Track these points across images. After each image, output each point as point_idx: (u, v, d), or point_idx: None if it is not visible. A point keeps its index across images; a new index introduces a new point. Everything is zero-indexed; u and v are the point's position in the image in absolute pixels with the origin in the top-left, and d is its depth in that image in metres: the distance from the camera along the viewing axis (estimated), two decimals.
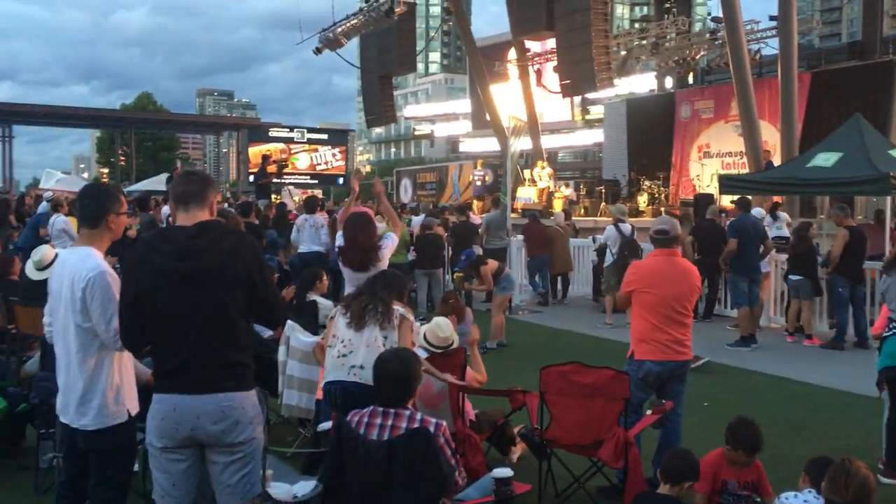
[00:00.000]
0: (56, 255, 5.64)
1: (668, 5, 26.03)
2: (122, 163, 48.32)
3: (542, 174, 22.23)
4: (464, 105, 40.99)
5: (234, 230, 3.35)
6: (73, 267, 3.53)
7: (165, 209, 16.25)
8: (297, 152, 39.35)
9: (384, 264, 5.68)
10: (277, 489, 4.15)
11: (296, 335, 5.83)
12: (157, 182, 32.24)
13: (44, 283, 4.16)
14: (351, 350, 4.37)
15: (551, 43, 22.59)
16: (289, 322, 5.76)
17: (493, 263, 10.31)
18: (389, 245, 5.80)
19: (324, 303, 7.51)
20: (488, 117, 26.13)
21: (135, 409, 3.64)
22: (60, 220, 11.77)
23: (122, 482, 3.70)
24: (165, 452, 3.21)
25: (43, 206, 13.89)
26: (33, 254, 6.93)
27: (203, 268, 3.14)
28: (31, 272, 6.55)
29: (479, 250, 12.72)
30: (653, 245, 5.42)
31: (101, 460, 3.60)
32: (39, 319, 4.09)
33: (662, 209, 19.82)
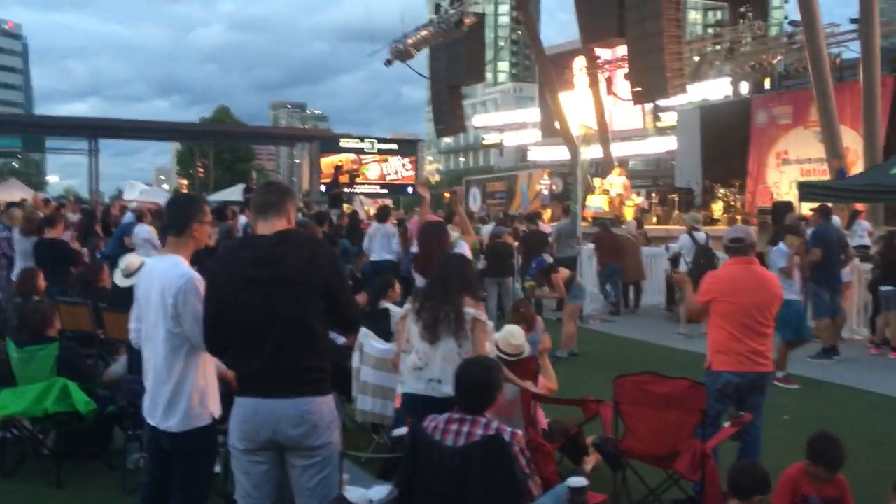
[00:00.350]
0: (142, 264, 5.86)
1: (743, 9, 25.42)
2: (201, 174, 49.73)
3: (616, 182, 21.89)
4: (533, 114, 40.89)
5: (311, 238, 3.45)
6: (163, 274, 3.64)
7: (242, 219, 16.69)
8: (367, 162, 39.84)
9: None
10: (353, 493, 4.23)
11: (369, 342, 5.92)
12: (234, 193, 33.08)
13: (130, 289, 4.30)
14: (427, 363, 4.38)
15: (622, 50, 22.35)
16: (362, 329, 5.85)
17: (564, 272, 10.26)
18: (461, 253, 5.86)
19: (396, 310, 7.59)
20: (557, 126, 25.99)
21: (217, 411, 3.75)
22: (144, 230, 12.19)
23: (204, 483, 3.81)
24: (247, 455, 3.31)
25: (128, 217, 14.41)
26: (120, 262, 7.22)
27: (282, 275, 3.23)
28: (119, 279, 6.82)
29: (549, 259, 12.68)
30: (728, 254, 5.32)
31: (185, 462, 3.71)
32: (125, 325, 4.22)
33: (738, 217, 19.41)
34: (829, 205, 11.71)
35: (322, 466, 3.32)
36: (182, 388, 3.60)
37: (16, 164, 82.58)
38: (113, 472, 5.55)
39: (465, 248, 5.97)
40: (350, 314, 3.50)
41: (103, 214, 17.79)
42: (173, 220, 3.80)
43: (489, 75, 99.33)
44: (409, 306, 4.55)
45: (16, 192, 32.29)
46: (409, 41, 24.57)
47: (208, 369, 3.73)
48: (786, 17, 30.61)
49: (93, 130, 40.03)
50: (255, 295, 3.24)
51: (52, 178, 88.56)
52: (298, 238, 3.35)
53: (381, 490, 4.26)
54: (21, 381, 5.58)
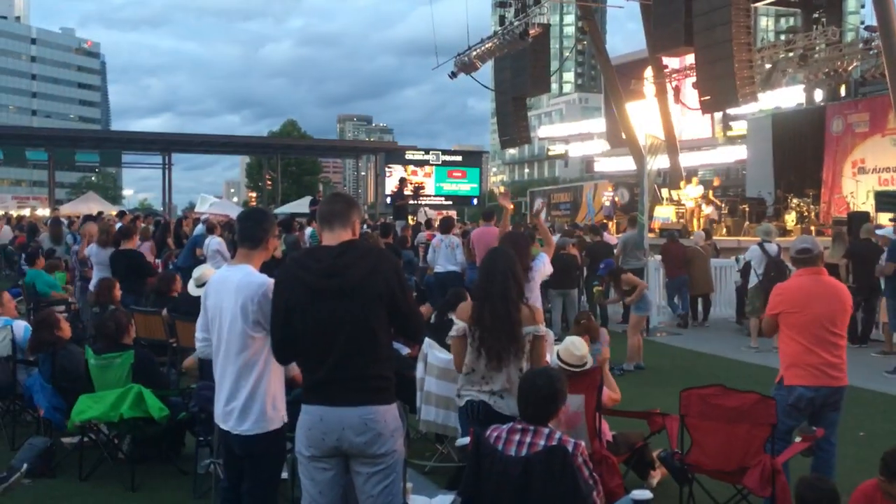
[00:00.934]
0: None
1: (816, 15, 24.78)
2: (269, 187, 50.80)
3: (692, 192, 21.47)
4: (598, 124, 40.55)
5: (375, 249, 3.51)
6: (241, 282, 3.76)
7: (308, 230, 16.99)
8: (431, 174, 40.08)
9: (535, 285, 5.74)
10: (417, 502, 4.26)
11: (433, 352, 5.95)
12: (301, 205, 33.74)
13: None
14: (489, 382, 4.26)
15: (690, 59, 22.01)
16: (427, 339, 5.89)
17: (632, 276, 10.17)
18: (541, 267, 5.85)
19: (461, 324, 7.63)
20: (624, 136, 25.72)
21: (286, 416, 3.86)
22: (215, 242, 12.52)
23: (274, 486, 3.92)
24: (313, 461, 3.38)
25: (199, 229, 14.83)
26: (194, 272, 7.43)
27: (346, 285, 3.30)
28: (192, 289, 7.02)
29: None
30: (795, 265, 5.19)
31: (255, 465, 3.82)
32: None
33: (813, 228, 18.85)
34: None
35: (386, 474, 3.36)
36: (257, 392, 3.72)
37: (94, 178, 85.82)
38: (185, 477, 5.71)
39: (545, 262, 5.95)
40: (414, 324, 3.53)
41: (175, 227, 18.31)
42: (250, 233, 3.93)
43: (554, 86, 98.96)
44: (462, 326, 4.29)
45: (93, 204, 33.60)
46: (474, 53, 24.64)
47: (279, 374, 3.84)
48: (862, 23, 29.82)
49: (166, 145, 41.28)
50: (320, 305, 3.31)
51: (127, 192, 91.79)
52: (362, 248, 3.42)
53: (445, 499, 4.28)
54: (98, 388, 5.80)
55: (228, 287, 3.80)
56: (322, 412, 3.32)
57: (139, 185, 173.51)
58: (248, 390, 3.72)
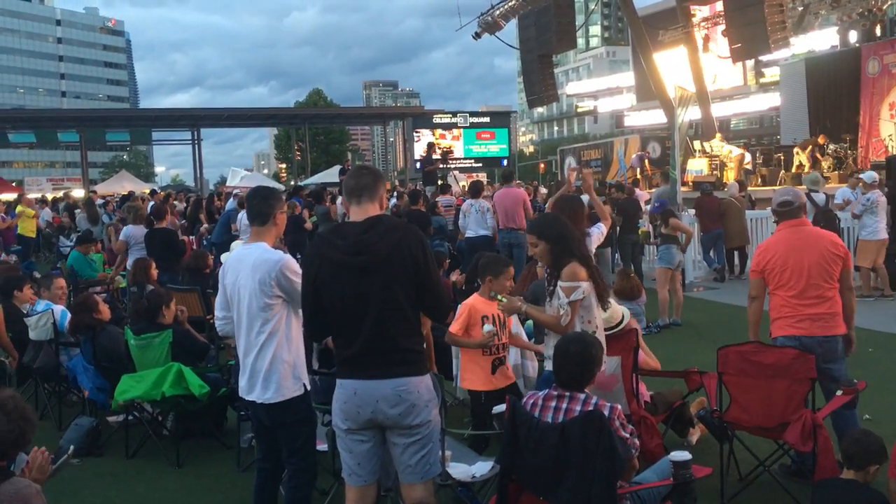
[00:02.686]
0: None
1: None
2: (298, 157, 50.94)
3: (725, 148, 21.07)
4: (627, 78, 39.91)
5: (400, 223, 3.47)
6: (257, 260, 3.86)
7: (340, 207, 17.02)
8: (460, 137, 39.87)
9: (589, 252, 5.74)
10: (457, 469, 4.28)
11: None
12: (331, 175, 33.81)
13: None
14: None
15: (719, 6, 21.52)
16: None
17: (678, 222, 10.08)
18: (597, 234, 5.81)
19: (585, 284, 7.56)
20: (654, 89, 25.26)
21: (308, 383, 3.97)
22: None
23: (310, 450, 4.03)
24: (350, 434, 3.43)
25: (230, 204, 14.92)
26: (232, 247, 7.48)
27: (372, 261, 3.30)
28: None
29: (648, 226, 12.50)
30: (776, 219, 5.06)
31: (288, 434, 3.93)
32: None
33: (849, 174, 18.43)
34: None
35: (423, 444, 3.40)
36: (277, 361, 3.84)
37: (125, 157, 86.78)
38: (228, 451, 5.81)
39: (601, 230, 5.90)
40: (438, 301, 3.49)
41: (207, 202, 18.45)
42: (257, 211, 4.03)
43: (580, 41, 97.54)
44: (587, 285, 4.33)
45: (127, 183, 34.01)
46: (498, 12, 24.27)
47: (299, 343, 3.96)
48: None
49: (194, 120, 41.48)
50: (347, 282, 3.33)
51: (159, 169, 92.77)
52: (387, 223, 3.40)
53: (484, 466, 4.29)
54: (139, 367, 5.90)
55: (245, 265, 3.90)
56: (356, 386, 3.36)
57: (171, 161, 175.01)
58: (269, 360, 3.84)
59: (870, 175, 12.06)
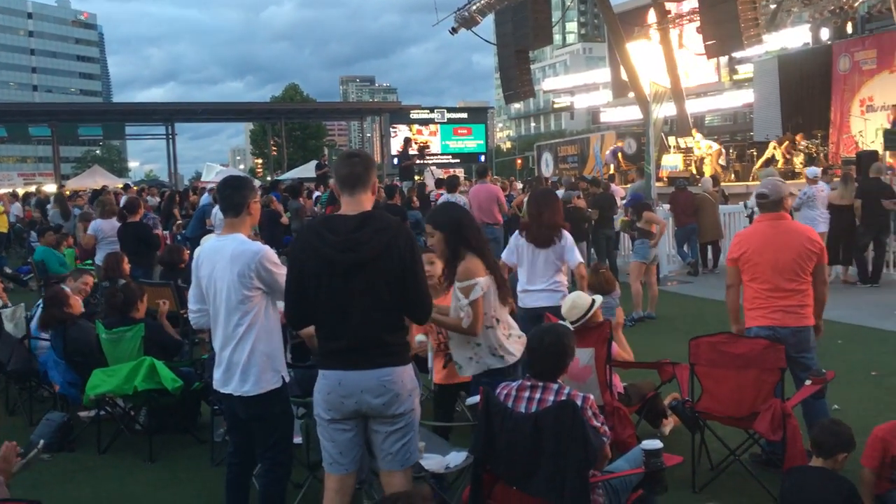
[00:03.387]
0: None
1: None
2: (275, 153, 50.62)
3: (702, 143, 21.22)
4: (603, 74, 40.06)
5: (392, 222, 3.43)
6: (236, 251, 3.81)
7: (315, 194, 16.93)
8: (437, 133, 39.81)
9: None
10: (431, 461, 4.28)
11: None
12: (307, 170, 33.63)
13: None
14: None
15: (693, 3, 21.66)
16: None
17: (652, 214, 10.15)
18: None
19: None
20: (629, 85, 25.39)
21: (286, 375, 3.95)
22: None
23: (287, 445, 4.01)
24: (333, 423, 3.44)
25: (205, 198, 14.81)
26: (202, 242, 7.43)
27: (362, 260, 3.29)
28: None
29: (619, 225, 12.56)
30: (758, 210, 5.12)
31: (265, 427, 3.90)
32: None
33: (822, 170, 18.65)
34: None
35: (404, 433, 3.43)
36: (255, 353, 3.81)
37: (98, 152, 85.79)
38: (201, 446, 5.78)
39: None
40: (420, 303, 3.47)
41: (181, 197, 18.29)
42: (231, 202, 3.97)
43: (557, 37, 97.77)
44: (486, 280, 4.19)
45: (99, 178, 33.63)
46: (474, 7, 24.27)
47: (277, 334, 3.93)
48: None
49: (168, 115, 41.07)
50: (335, 277, 3.32)
51: (133, 164, 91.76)
52: (380, 222, 3.38)
53: (458, 456, 4.29)
54: (111, 362, 5.85)
55: (222, 256, 3.84)
56: (340, 377, 3.36)
57: (145, 156, 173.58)
58: (248, 352, 3.80)
59: (812, 171, 12.62)
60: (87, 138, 51.56)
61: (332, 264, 3.31)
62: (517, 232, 6.16)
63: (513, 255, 6.04)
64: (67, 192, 21.49)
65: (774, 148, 19.92)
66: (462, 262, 4.17)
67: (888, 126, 18.21)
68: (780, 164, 19.09)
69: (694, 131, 22.40)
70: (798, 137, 20.05)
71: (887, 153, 14.94)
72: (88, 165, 54.94)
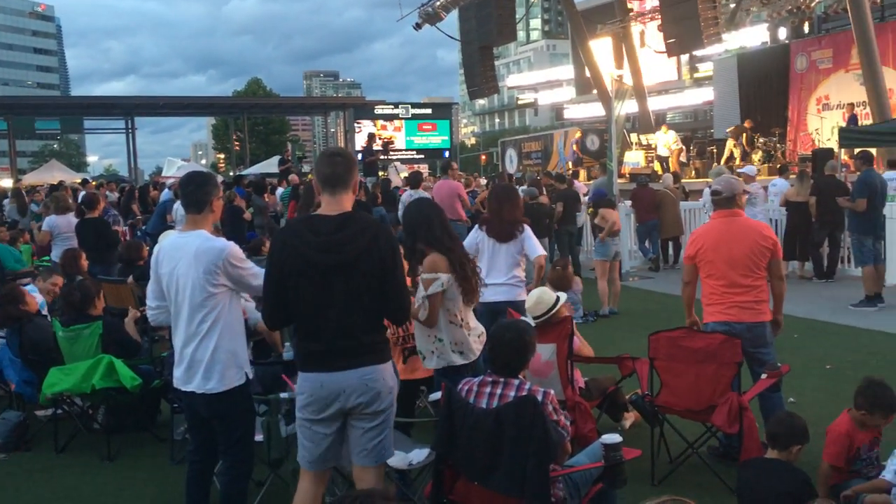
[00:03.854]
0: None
1: None
2: (237, 148, 50.11)
3: (668, 138, 21.46)
4: (567, 71, 40.25)
5: (373, 224, 3.43)
6: (201, 248, 3.76)
7: (280, 191, 16.80)
8: (401, 128, 39.77)
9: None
10: (394, 457, 4.28)
11: None
12: (270, 165, 33.32)
13: None
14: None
15: (654, 1, 21.87)
16: None
17: (607, 212, 10.26)
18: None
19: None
20: (592, 82, 25.59)
21: (250, 372, 3.93)
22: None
23: (249, 442, 3.98)
24: (315, 424, 3.43)
25: (166, 194, 14.62)
26: (161, 238, 7.34)
27: (344, 261, 3.29)
28: None
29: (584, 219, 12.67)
30: (714, 207, 5.21)
31: (227, 424, 3.87)
32: None
33: (779, 167, 18.99)
34: (873, 151, 11.40)
35: (381, 430, 3.45)
36: (219, 350, 3.77)
37: (56, 146, 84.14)
38: (161, 444, 5.72)
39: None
40: (399, 305, 3.48)
41: (141, 193, 18.05)
42: (194, 199, 3.92)
43: (521, 33, 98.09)
44: (448, 277, 4.27)
45: (57, 173, 32.97)
46: (438, 3, 24.26)
47: (241, 331, 3.91)
48: None
49: (128, 109, 40.44)
50: (315, 279, 3.31)
51: (91, 158, 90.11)
52: (361, 222, 3.37)
53: (421, 453, 4.30)
54: (68, 360, 5.75)
55: (185, 252, 3.79)
56: (322, 378, 3.35)
57: (104, 150, 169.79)
58: (212, 349, 3.76)
59: (750, 169, 13.04)
60: (45, 132, 50.48)
61: (312, 265, 3.30)
62: (477, 226, 6.20)
63: (473, 250, 6.08)
64: (25, 187, 21.05)
65: (734, 146, 20.26)
66: (428, 256, 4.26)
67: (843, 124, 18.61)
68: (737, 161, 19.42)
69: (665, 128, 22.70)
70: (747, 123, 20.51)
71: (842, 151, 15.23)
72: (46, 160, 53.85)
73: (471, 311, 4.52)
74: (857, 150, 12.32)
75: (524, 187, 13.30)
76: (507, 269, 5.93)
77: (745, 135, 20.21)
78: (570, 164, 25.07)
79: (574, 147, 25.43)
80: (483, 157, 60.76)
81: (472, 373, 4.19)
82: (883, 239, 10.18)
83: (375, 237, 3.35)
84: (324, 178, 3.44)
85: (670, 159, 20.77)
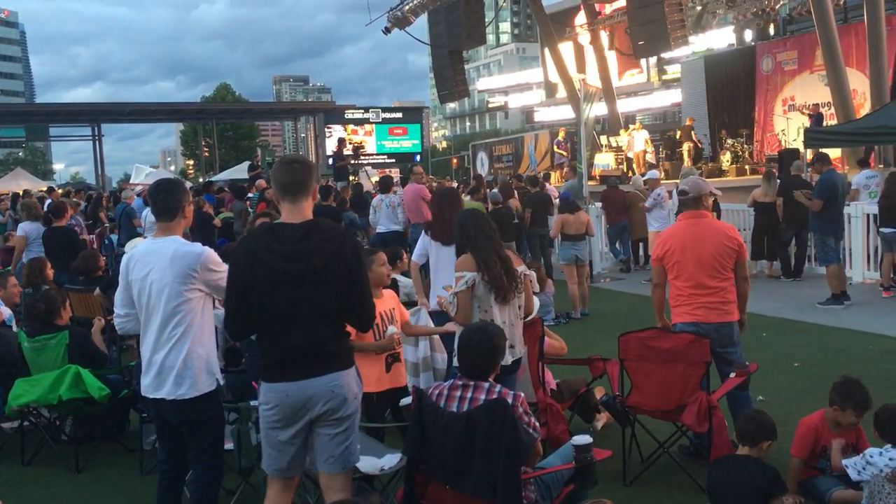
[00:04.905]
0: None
1: None
2: (206, 154, 49.70)
3: (637, 137, 21.66)
4: (537, 74, 40.50)
5: (338, 231, 3.42)
6: (177, 253, 3.74)
7: (249, 195, 16.67)
8: (372, 133, 39.68)
9: None
10: (365, 463, 4.27)
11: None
12: (240, 171, 33.07)
13: None
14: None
15: (622, 4, 22.06)
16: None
17: (559, 217, 10.35)
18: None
19: (404, 280, 7.63)
20: (562, 85, 25.75)
21: (221, 379, 3.90)
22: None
23: (219, 450, 3.95)
24: (281, 433, 3.40)
25: (136, 201, 14.46)
26: (127, 246, 7.26)
27: (309, 270, 3.27)
28: None
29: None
30: (682, 208, 5.26)
31: (197, 432, 3.83)
32: None
33: (747, 167, 19.25)
34: (827, 152, 11.65)
35: (346, 436, 3.42)
36: (192, 356, 3.74)
37: (21, 154, 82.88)
38: (130, 454, 5.65)
39: None
40: (364, 312, 3.48)
41: (109, 200, 17.82)
42: (164, 206, 3.88)
43: (490, 37, 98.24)
44: (473, 275, 4.40)
45: (23, 181, 32.47)
46: (407, 7, 24.28)
47: (211, 337, 3.87)
48: None
49: (94, 115, 39.89)
50: (279, 288, 3.28)
51: (58, 166, 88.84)
52: (325, 231, 3.35)
53: (392, 458, 4.29)
54: (34, 371, 5.66)
55: (160, 258, 3.76)
56: (287, 388, 3.32)
57: (71, 158, 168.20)
58: (184, 355, 3.73)
59: (653, 173, 13.39)
60: (9, 140, 49.66)
61: (277, 274, 3.27)
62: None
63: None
64: None
65: (689, 148, 20.74)
66: (460, 258, 4.44)
67: (808, 125, 18.88)
68: (686, 162, 19.91)
69: (639, 125, 22.95)
70: (689, 120, 21.00)
71: (808, 151, 15.45)
72: (11, 168, 52.98)
73: (511, 310, 4.52)
74: (810, 155, 12.59)
75: (494, 191, 13.34)
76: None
77: (692, 132, 20.82)
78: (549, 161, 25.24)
79: (556, 147, 25.50)
80: (454, 160, 60.82)
81: (444, 378, 4.20)
82: (842, 238, 10.35)
83: (341, 245, 3.33)
84: (283, 187, 3.42)
85: (634, 161, 20.97)
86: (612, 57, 26.77)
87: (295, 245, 3.28)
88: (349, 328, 3.53)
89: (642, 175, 16.06)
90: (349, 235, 3.47)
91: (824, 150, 11.21)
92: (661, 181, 13.62)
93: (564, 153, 24.76)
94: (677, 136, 22.41)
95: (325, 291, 3.29)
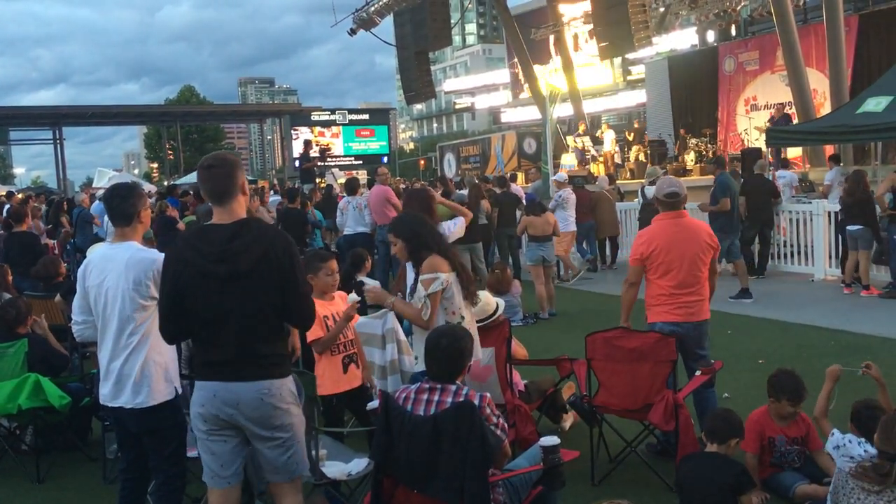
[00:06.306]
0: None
1: None
2: (171, 157, 49.16)
3: (606, 138, 21.84)
4: (503, 75, 40.63)
5: (269, 231, 3.35)
6: (132, 259, 3.71)
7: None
8: (339, 134, 39.56)
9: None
10: (332, 468, 4.24)
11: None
12: None
13: None
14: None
15: (586, 6, 22.23)
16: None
17: (525, 219, 10.45)
18: (454, 229, 5.81)
19: (370, 282, 7.57)
20: (526, 86, 25.86)
21: (179, 387, 3.87)
22: None
23: (181, 457, 3.90)
24: (211, 434, 3.34)
25: (96, 206, 14.23)
26: (89, 251, 7.13)
27: (238, 270, 3.20)
28: None
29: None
30: (660, 208, 5.25)
31: (158, 439, 3.78)
32: None
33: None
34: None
35: (286, 447, 3.35)
36: (149, 363, 3.71)
37: None
38: (93, 463, 5.54)
39: (459, 224, 5.90)
40: (303, 311, 3.41)
41: (70, 205, 17.54)
42: (120, 212, 3.85)
43: (457, 38, 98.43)
44: (447, 276, 4.35)
45: None
46: (373, 8, 24.26)
47: (168, 345, 3.78)
48: None
49: (56, 119, 39.33)
50: (211, 290, 3.22)
51: (18, 170, 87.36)
52: (255, 231, 3.28)
53: (360, 463, 4.27)
54: None
55: (116, 264, 3.72)
56: (216, 388, 3.27)
57: (32, 162, 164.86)
58: (141, 363, 3.69)
59: (561, 176, 13.68)
60: None
61: (207, 277, 3.21)
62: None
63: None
64: None
65: (639, 151, 21.14)
66: (426, 259, 4.36)
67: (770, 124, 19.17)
68: (630, 163, 20.39)
69: (606, 125, 23.16)
70: (636, 123, 21.31)
71: (769, 150, 15.70)
72: None
73: (469, 308, 4.56)
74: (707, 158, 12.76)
75: (462, 192, 13.34)
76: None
77: (633, 134, 21.26)
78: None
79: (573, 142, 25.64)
80: (422, 161, 60.79)
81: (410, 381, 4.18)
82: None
83: (272, 245, 3.26)
84: (207, 193, 3.38)
85: (602, 161, 21.16)
86: (577, 58, 26.95)
87: (223, 246, 3.22)
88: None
89: (609, 176, 16.23)
90: (281, 234, 3.39)
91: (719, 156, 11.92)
92: (617, 181, 13.81)
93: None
94: (630, 138, 22.75)
95: (258, 292, 3.23)
